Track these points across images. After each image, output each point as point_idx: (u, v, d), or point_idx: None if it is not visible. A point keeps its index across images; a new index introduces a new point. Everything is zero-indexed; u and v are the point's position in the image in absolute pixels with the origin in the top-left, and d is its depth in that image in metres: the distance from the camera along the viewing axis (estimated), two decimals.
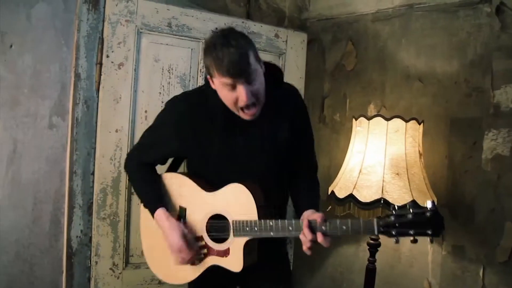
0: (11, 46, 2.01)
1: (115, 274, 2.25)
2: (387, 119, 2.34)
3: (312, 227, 1.49)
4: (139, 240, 2.26)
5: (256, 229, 1.57)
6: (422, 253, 2.55)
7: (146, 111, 2.30)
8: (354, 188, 2.33)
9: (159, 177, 1.79)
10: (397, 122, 2.33)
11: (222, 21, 2.40)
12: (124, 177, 2.26)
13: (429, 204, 1.37)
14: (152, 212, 1.70)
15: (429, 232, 1.35)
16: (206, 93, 1.66)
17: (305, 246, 1.52)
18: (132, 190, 2.29)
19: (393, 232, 1.38)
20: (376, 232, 1.41)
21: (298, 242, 2.83)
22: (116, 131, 2.23)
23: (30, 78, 2.06)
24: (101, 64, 2.19)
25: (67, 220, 2.16)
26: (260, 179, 1.65)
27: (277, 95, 1.69)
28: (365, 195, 2.28)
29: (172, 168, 1.87)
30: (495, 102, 2.32)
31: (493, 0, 2.31)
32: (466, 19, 2.44)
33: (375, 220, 1.40)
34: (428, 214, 1.35)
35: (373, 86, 2.79)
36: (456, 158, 2.46)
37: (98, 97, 2.21)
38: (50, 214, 2.14)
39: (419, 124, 2.37)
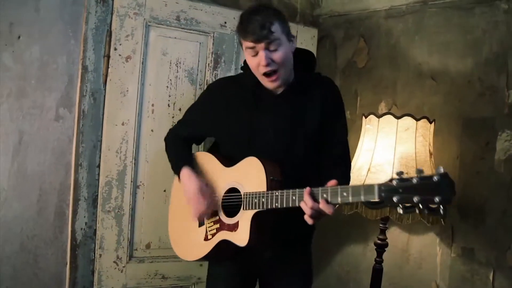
0: (19, 37, 2.01)
1: (119, 267, 2.25)
2: (397, 117, 2.30)
3: (313, 195, 1.43)
4: (143, 234, 2.31)
5: (263, 200, 1.54)
6: (431, 254, 2.50)
7: (153, 105, 2.29)
8: None
9: (191, 152, 1.93)
10: (407, 121, 2.29)
11: (231, 15, 2.37)
12: (129, 171, 2.25)
13: (440, 169, 1.19)
14: (178, 172, 1.81)
15: (437, 199, 1.16)
16: (243, 75, 1.83)
17: (306, 214, 1.47)
18: (138, 184, 2.29)
19: (395, 199, 1.22)
20: (376, 197, 1.27)
21: None
22: (123, 124, 2.23)
23: (37, 70, 2.06)
24: (108, 56, 2.18)
25: (71, 212, 2.15)
26: (282, 157, 1.66)
27: (310, 80, 1.77)
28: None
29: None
30: (510, 102, 2.26)
31: None
32: (482, 16, 2.38)
33: (376, 185, 1.28)
34: (435, 178, 1.16)
35: (384, 84, 2.75)
36: (467, 159, 2.40)
37: (105, 89, 2.20)
38: (55, 206, 2.14)
39: (430, 123, 2.32)
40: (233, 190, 1.69)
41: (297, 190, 1.48)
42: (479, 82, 2.37)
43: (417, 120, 2.28)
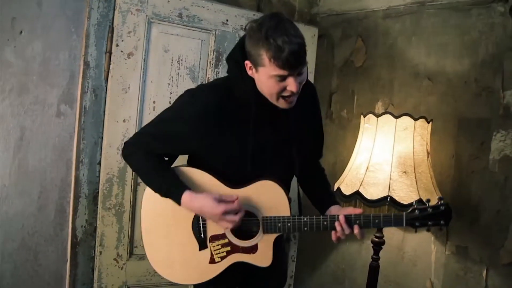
0: (21, 32, 1.99)
1: (119, 264, 2.25)
2: (396, 117, 2.32)
3: (348, 222, 1.61)
4: None
5: (289, 225, 1.62)
6: (425, 252, 2.55)
7: (154, 102, 2.29)
8: (360, 185, 2.32)
9: (175, 168, 1.67)
10: (406, 120, 2.32)
11: (233, 13, 2.38)
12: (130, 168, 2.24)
13: (442, 201, 1.65)
14: (178, 197, 1.57)
15: (442, 222, 1.63)
16: (233, 84, 1.59)
17: (337, 237, 1.64)
18: (139, 181, 2.28)
19: (417, 224, 1.63)
20: (404, 225, 1.64)
21: (301, 239, 2.85)
22: (124, 121, 2.22)
23: (39, 65, 2.04)
24: (110, 53, 2.18)
25: (72, 209, 2.15)
26: (283, 174, 1.68)
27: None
28: (372, 193, 2.28)
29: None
30: (505, 103, 2.30)
31: None
32: (479, 18, 2.42)
33: (404, 214, 1.64)
34: (442, 208, 1.63)
35: (381, 84, 2.78)
36: (463, 158, 2.44)
37: (106, 86, 2.19)
38: (55, 202, 2.13)
39: (428, 122, 2.36)
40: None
41: (328, 216, 1.64)
42: (475, 83, 2.42)
43: (415, 119, 2.31)
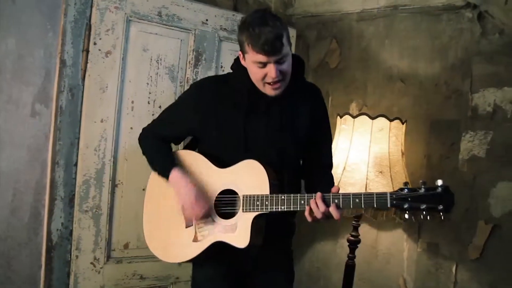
0: None
1: (96, 268, 2.19)
2: (372, 118, 2.38)
3: (325, 199, 1.53)
4: (121, 234, 2.26)
5: (267, 203, 1.58)
6: (398, 250, 2.63)
7: (132, 102, 2.24)
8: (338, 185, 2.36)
9: (172, 152, 1.84)
10: (381, 121, 2.38)
11: (213, 13, 2.37)
12: (108, 169, 2.19)
13: (439, 182, 1.42)
14: (167, 175, 1.72)
15: (440, 207, 1.37)
16: (231, 76, 1.77)
17: (312, 217, 1.57)
18: (116, 183, 2.24)
19: (405, 206, 1.40)
20: (388, 205, 1.42)
21: None
22: (102, 121, 2.17)
23: (13, 63, 1.96)
24: (87, 51, 2.11)
25: (47, 213, 2.07)
26: (276, 161, 1.69)
27: (300, 85, 1.79)
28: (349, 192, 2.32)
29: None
30: (473, 105, 2.41)
31: (481, 6, 2.38)
32: (449, 23, 2.51)
33: (388, 194, 1.43)
34: (439, 189, 1.39)
35: (355, 85, 2.84)
36: (434, 158, 2.54)
37: (83, 85, 2.13)
38: (29, 205, 2.04)
39: (403, 123, 2.43)
40: (226, 192, 1.69)
41: (305, 194, 1.57)
42: (445, 85, 2.51)
43: (390, 120, 2.38)
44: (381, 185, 2.31)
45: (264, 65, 1.58)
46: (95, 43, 2.12)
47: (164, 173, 1.74)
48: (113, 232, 2.24)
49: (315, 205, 1.53)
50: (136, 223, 2.21)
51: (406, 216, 1.42)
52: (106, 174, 2.19)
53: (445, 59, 2.52)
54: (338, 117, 2.54)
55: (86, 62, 2.12)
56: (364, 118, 2.41)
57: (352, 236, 2.48)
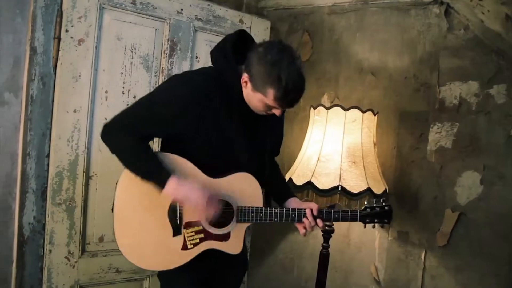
0: None
1: (71, 262, 2.13)
2: (346, 109, 2.43)
3: (314, 216, 1.78)
4: (96, 227, 2.20)
5: (261, 215, 1.73)
6: (370, 239, 2.71)
7: (106, 91, 2.18)
8: (312, 176, 2.39)
9: (155, 153, 1.68)
10: (354, 113, 2.43)
11: (188, 3, 2.33)
12: (82, 161, 2.13)
13: (387, 203, 1.92)
14: (164, 182, 1.57)
15: (386, 220, 1.91)
16: (224, 77, 1.65)
17: (304, 231, 1.80)
18: (90, 175, 2.17)
19: (367, 220, 1.90)
20: (358, 220, 1.88)
21: (254, 230, 2.88)
22: (74, 111, 2.10)
23: None
24: (59, 38, 2.03)
25: (18, 206, 1.99)
26: (256, 170, 1.75)
27: None
28: (323, 183, 2.36)
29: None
30: (441, 98, 2.50)
31: (448, 2, 2.46)
32: (417, 18, 2.59)
33: (358, 212, 1.89)
34: (387, 208, 1.91)
35: (327, 77, 2.88)
36: (404, 149, 2.62)
37: (55, 74, 2.05)
38: None
39: (374, 115, 2.49)
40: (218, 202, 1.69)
41: (296, 209, 1.79)
42: (414, 78, 2.60)
43: (363, 112, 2.43)
44: (354, 175, 2.36)
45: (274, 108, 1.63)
46: (67, 31, 2.04)
47: (160, 180, 1.59)
48: (87, 225, 2.19)
49: (308, 221, 1.77)
50: (111, 216, 2.14)
51: (364, 225, 1.92)
52: (79, 165, 2.13)
53: (414, 53, 2.60)
54: (312, 108, 2.57)
55: (58, 50, 2.04)
56: (337, 109, 2.45)
57: (326, 226, 2.52)
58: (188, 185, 1.59)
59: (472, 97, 2.42)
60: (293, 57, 1.55)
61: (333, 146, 2.43)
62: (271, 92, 1.54)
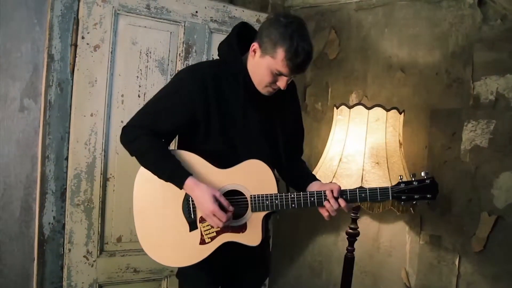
0: None
1: (89, 261, 2.20)
2: (368, 108, 2.33)
3: (335, 196, 1.63)
4: (114, 227, 2.26)
5: (277, 202, 1.63)
6: (400, 243, 2.56)
7: (122, 95, 2.24)
8: (334, 177, 2.32)
9: (173, 152, 1.69)
10: (378, 111, 2.32)
11: (202, 5, 2.34)
12: (99, 163, 2.20)
13: (424, 174, 1.65)
14: (181, 182, 1.59)
15: (429, 196, 1.64)
16: (229, 66, 1.67)
17: (327, 214, 1.66)
18: (108, 176, 2.24)
19: (403, 197, 1.64)
20: (390, 197, 1.64)
21: (276, 230, 2.84)
22: (91, 115, 2.17)
23: None
24: (76, 45, 2.11)
25: (38, 206, 2.08)
26: (269, 157, 1.69)
27: None
28: (345, 184, 2.27)
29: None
30: (475, 94, 2.32)
31: None
32: (449, 10, 2.43)
33: (390, 188, 1.64)
34: (428, 181, 1.64)
35: (355, 76, 2.78)
36: (435, 149, 2.46)
37: (72, 79, 2.13)
38: (20, 199, 2.06)
39: (400, 113, 2.36)
40: (229, 193, 1.66)
41: (315, 192, 1.65)
42: (446, 74, 2.43)
43: (387, 110, 2.31)
44: (377, 176, 2.25)
45: (280, 75, 1.58)
46: (83, 37, 2.12)
47: (178, 180, 1.61)
48: (105, 226, 2.25)
49: (329, 203, 1.63)
50: (129, 216, 2.17)
51: (402, 203, 1.65)
52: (97, 168, 2.19)
53: (445, 47, 2.44)
54: (335, 108, 2.49)
55: (75, 57, 2.12)
56: (360, 108, 2.35)
57: (350, 228, 2.43)
58: (203, 189, 1.58)
59: (511, 92, 2.22)
60: (304, 26, 1.57)
61: (356, 146, 2.33)
62: (281, 53, 1.52)
